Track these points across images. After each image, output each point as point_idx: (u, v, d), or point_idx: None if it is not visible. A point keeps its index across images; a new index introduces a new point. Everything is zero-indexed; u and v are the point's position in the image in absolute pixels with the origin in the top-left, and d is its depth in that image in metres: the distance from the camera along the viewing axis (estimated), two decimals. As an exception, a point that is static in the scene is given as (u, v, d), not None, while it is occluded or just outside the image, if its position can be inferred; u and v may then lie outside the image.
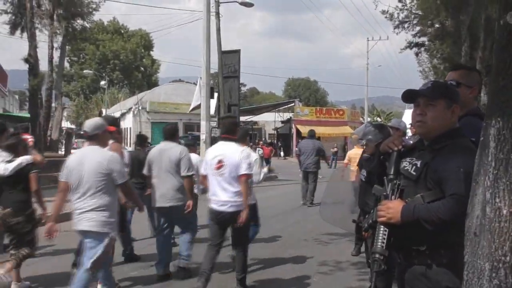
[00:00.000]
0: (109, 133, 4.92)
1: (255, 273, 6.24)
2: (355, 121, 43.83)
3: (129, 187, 4.84)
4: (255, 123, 43.66)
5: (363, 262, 6.34)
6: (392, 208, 2.30)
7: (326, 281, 5.97)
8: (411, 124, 2.97)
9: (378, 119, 58.25)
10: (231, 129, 5.53)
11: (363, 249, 6.63)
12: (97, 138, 4.60)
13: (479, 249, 1.81)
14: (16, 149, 5.47)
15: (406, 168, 2.43)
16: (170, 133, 6.34)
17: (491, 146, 1.80)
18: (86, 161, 4.46)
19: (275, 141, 41.63)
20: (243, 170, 5.11)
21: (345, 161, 9.47)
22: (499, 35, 1.81)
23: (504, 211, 1.74)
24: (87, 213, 4.38)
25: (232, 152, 5.21)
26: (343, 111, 44.93)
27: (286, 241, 8.21)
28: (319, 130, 34.62)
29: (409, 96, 2.54)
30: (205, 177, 5.40)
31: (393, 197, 2.38)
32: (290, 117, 40.72)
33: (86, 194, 4.39)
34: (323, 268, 6.54)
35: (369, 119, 52.09)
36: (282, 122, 42.44)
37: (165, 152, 6.10)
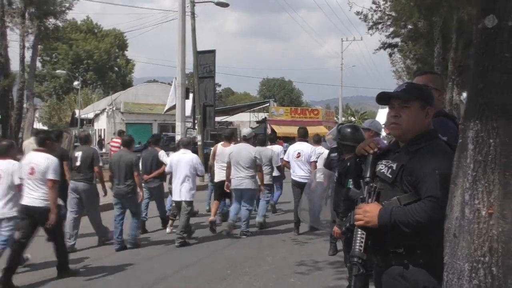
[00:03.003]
0: None
1: (232, 276, 6.22)
2: (329, 120, 44.14)
3: None
4: (230, 123, 43.52)
5: (340, 261, 6.38)
6: (369, 212, 2.30)
7: (304, 281, 5.98)
8: (385, 124, 3.01)
9: (352, 118, 58.79)
10: (304, 134, 9.15)
11: (340, 247, 6.66)
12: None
13: (458, 250, 1.83)
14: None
15: (382, 170, 2.43)
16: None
17: (470, 148, 1.83)
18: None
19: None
20: (313, 159, 8.66)
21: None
22: (477, 39, 1.84)
23: (483, 213, 1.77)
24: None
25: (306, 148, 8.76)
26: (318, 111, 45.19)
27: (263, 243, 8.20)
28: (294, 130, 34.76)
29: (384, 98, 2.55)
30: (288, 162, 8.97)
31: (370, 200, 2.38)
32: (265, 117, 40.77)
33: None
34: (301, 268, 6.55)
35: (343, 119, 52.54)
36: (257, 122, 42.45)
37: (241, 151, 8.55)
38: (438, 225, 2.04)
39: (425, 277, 2.24)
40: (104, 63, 58.62)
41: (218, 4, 18.58)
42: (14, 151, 6.36)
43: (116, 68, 61.44)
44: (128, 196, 7.62)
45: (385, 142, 5.44)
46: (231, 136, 9.59)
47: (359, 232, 2.33)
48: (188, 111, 19.96)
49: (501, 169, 1.75)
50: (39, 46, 25.73)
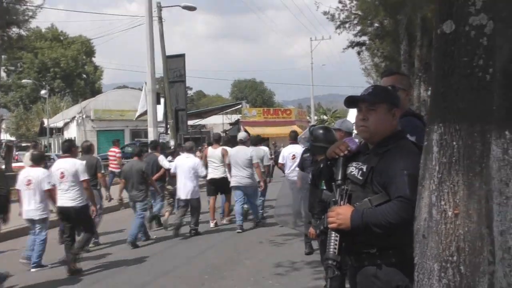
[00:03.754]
0: None
1: (210, 281, 6.20)
2: (302, 120, 44.40)
3: None
4: (203, 126, 43.35)
5: (317, 261, 6.41)
6: (341, 214, 2.33)
7: (283, 282, 6.00)
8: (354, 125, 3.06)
9: (325, 117, 59.28)
10: (295, 136, 9.36)
11: (316, 245, 6.71)
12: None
13: (427, 251, 1.88)
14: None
15: (352, 173, 2.46)
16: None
17: (435, 151, 1.87)
18: None
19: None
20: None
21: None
22: (437, 43, 1.89)
23: (449, 213, 1.81)
24: None
25: (299, 149, 8.18)
26: (290, 110, 45.40)
27: (240, 246, 8.21)
28: (267, 130, 34.87)
29: (351, 102, 2.60)
30: (283, 164, 9.10)
31: (342, 202, 2.41)
32: (238, 119, 40.75)
33: None
34: (279, 269, 6.58)
35: (315, 117, 52.94)
36: (231, 124, 42.38)
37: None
38: (409, 225, 2.08)
39: (398, 276, 2.28)
40: (71, 70, 57.67)
41: (185, 8, 18.53)
42: (44, 160, 7.65)
43: (84, 75, 60.51)
44: (140, 199, 8.52)
45: (357, 140, 5.48)
46: (219, 139, 10.89)
47: (333, 235, 2.35)
48: (160, 116, 19.81)
49: (465, 170, 1.80)
50: (2, 56, 25.15)
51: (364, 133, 2.52)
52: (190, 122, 30.76)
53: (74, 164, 6.81)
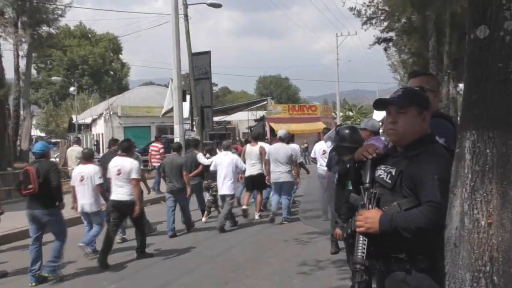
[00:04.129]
0: None
1: (235, 280, 6.22)
2: (327, 116, 44.09)
3: None
4: (229, 122, 43.51)
5: (343, 260, 6.38)
6: (370, 218, 2.31)
7: (307, 282, 5.99)
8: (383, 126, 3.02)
9: (350, 113, 58.82)
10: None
11: (342, 245, 6.67)
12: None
13: (459, 260, 1.85)
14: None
15: (381, 176, 2.44)
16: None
17: (467, 159, 1.83)
18: None
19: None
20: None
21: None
22: (469, 49, 1.85)
23: (482, 222, 1.78)
24: None
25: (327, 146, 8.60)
26: (316, 107, 45.10)
27: (265, 244, 8.22)
28: (292, 127, 34.72)
29: (380, 104, 2.57)
30: (315, 158, 9.74)
31: (370, 206, 2.38)
32: (263, 115, 40.71)
33: None
34: (304, 268, 6.56)
35: (341, 114, 52.54)
36: (256, 120, 42.39)
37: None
38: (439, 230, 2.05)
39: (427, 282, 2.25)
40: (99, 67, 58.59)
41: (210, 5, 18.58)
42: (93, 158, 8.23)
43: (112, 72, 61.38)
44: (179, 192, 9.11)
45: (383, 139, 5.40)
46: (258, 136, 11.43)
47: (361, 239, 2.34)
48: (186, 113, 19.95)
49: (499, 179, 1.76)
50: (33, 54, 25.71)
51: (393, 136, 2.49)
52: (215, 119, 30.96)
53: (130, 163, 7.35)
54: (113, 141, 10.31)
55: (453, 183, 1.93)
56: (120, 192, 7.24)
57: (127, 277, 6.58)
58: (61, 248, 6.55)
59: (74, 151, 13.27)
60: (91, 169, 7.53)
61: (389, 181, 2.38)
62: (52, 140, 32.60)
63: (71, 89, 38.64)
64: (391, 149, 2.61)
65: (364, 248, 2.32)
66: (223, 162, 9.48)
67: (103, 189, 7.53)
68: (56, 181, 6.52)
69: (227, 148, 10.00)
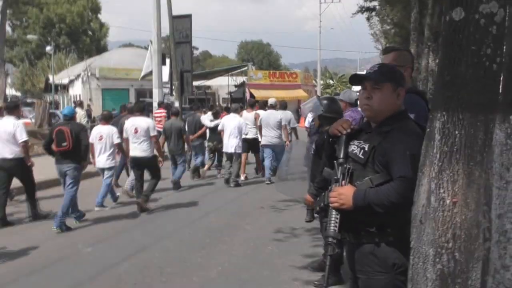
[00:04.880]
0: None
1: (211, 245, 6.32)
2: (308, 84, 44.07)
3: None
4: (209, 87, 43.15)
5: (317, 228, 6.49)
6: (343, 195, 2.36)
7: (282, 248, 6.11)
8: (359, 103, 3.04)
9: (331, 81, 58.83)
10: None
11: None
12: None
13: (424, 236, 1.91)
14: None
15: (354, 151, 2.47)
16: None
17: (436, 139, 1.88)
18: None
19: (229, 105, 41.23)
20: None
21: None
22: (445, 31, 1.86)
23: (447, 201, 1.84)
24: None
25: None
26: (296, 74, 44.94)
27: (242, 210, 8.33)
28: (273, 93, 34.58)
29: (356, 79, 2.59)
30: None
31: (343, 182, 2.43)
32: (244, 81, 40.45)
33: None
34: (278, 235, 6.68)
35: (321, 82, 52.53)
36: (236, 86, 42.14)
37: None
38: (410, 205, 2.11)
39: (395, 255, 2.33)
40: (77, 27, 56.94)
41: (193, -33, 18.13)
42: (111, 119, 9.10)
43: (90, 32, 59.79)
44: (178, 152, 10.17)
45: (359, 109, 5.41)
46: (254, 104, 12.59)
47: (334, 213, 2.39)
48: (165, 77, 19.73)
49: (466, 160, 1.81)
50: (8, 11, 24.87)
51: (368, 112, 2.52)
52: (195, 83, 30.56)
53: (146, 122, 8.29)
54: (124, 107, 11.75)
55: (422, 162, 1.98)
56: (138, 149, 8.09)
57: (104, 240, 6.62)
58: (69, 204, 7.18)
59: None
60: (109, 130, 8.34)
61: (362, 157, 2.42)
62: (28, 100, 31.84)
63: (48, 48, 37.55)
64: (365, 124, 2.64)
65: (336, 222, 2.37)
66: (230, 123, 10.42)
67: (121, 146, 8.42)
68: (85, 140, 7.46)
69: (235, 111, 10.91)
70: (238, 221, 7.59)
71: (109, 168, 8.37)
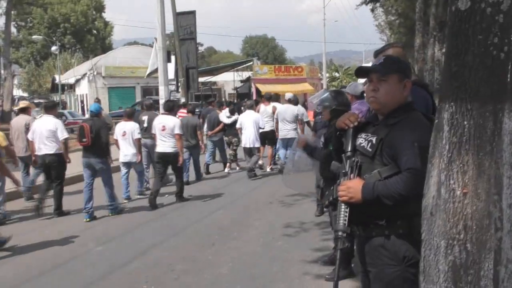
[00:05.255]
0: None
1: (220, 241, 6.33)
2: (313, 77, 43.93)
3: None
4: (215, 83, 43.19)
5: (326, 222, 6.51)
6: (352, 188, 2.35)
7: (291, 243, 6.11)
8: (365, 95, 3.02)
9: (336, 74, 58.62)
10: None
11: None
12: None
13: (435, 228, 1.90)
14: None
15: (362, 144, 2.46)
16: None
17: (445, 130, 1.86)
18: None
19: (235, 101, 41.27)
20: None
21: None
22: (451, 21, 1.84)
23: (458, 192, 1.82)
24: None
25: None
26: (302, 68, 44.78)
27: (251, 206, 8.33)
28: (278, 88, 34.58)
29: (362, 72, 2.58)
30: None
31: (352, 175, 2.42)
32: (249, 76, 40.39)
33: None
34: (288, 230, 6.68)
35: (327, 75, 52.34)
36: (242, 81, 42.10)
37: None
38: (419, 196, 2.09)
39: (405, 247, 2.33)
40: (81, 26, 57.05)
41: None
42: (133, 116, 9.47)
43: (95, 31, 59.89)
44: (193, 148, 10.50)
45: (365, 101, 5.38)
46: (271, 97, 12.58)
47: (343, 207, 2.38)
48: (171, 74, 19.69)
49: (475, 150, 1.79)
50: (12, 12, 24.96)
51: (374, 104, 2.51)
52: (201, 79, 30.62)
53: (173, 121, 8.59)
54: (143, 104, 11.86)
55: (431, 153, 1.96)
56: (164, 145, 8.45)
57: (114, 239, 6.66)
58: (112, 192, 7.87)
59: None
60: (132, 126, 8.81)
61: (370, 150, 2.41)
62: (35, 101, 31.99)
63: (53, 48, 37.72)
64: (372, 116, 2.63)
65: (346, 216, 2.37)
66: (247, 120, 10.95)
67: (140, 142, 8.86)
68: (104, 137, 7.80)
69: (250, 107, 11.44)
70: (247, 216, 7.60)
71: (135, 162, 8.89)
